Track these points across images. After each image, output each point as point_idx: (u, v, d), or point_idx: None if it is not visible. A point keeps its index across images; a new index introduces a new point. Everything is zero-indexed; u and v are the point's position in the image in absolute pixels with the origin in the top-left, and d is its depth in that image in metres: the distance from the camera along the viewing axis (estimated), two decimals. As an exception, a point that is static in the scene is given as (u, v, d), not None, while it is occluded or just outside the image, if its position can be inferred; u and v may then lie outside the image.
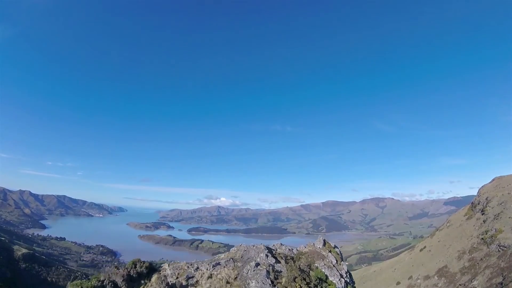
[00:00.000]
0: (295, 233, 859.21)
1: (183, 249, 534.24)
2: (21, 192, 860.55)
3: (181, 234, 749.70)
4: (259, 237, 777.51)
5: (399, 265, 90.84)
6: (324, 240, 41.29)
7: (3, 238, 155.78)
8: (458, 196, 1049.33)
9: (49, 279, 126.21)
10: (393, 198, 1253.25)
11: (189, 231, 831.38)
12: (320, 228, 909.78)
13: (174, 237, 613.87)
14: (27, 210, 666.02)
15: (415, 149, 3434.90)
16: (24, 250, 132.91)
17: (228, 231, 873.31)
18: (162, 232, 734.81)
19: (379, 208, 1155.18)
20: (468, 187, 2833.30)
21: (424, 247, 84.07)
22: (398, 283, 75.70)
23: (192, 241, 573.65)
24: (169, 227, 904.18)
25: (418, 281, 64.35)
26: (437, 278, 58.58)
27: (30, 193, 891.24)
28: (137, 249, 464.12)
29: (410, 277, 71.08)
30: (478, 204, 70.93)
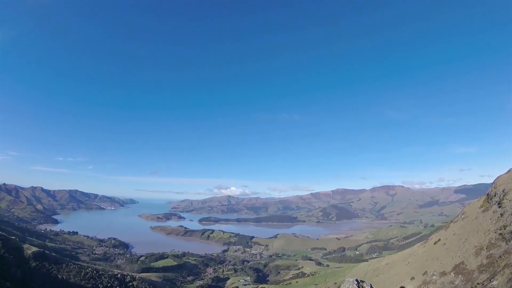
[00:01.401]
0: (305, 221, 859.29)
1: (194, 240, 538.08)
2: (33, 188, 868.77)
3: (192, 224, 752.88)
4: (269, 226, 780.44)
5: (412, 259, 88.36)
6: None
7: (13, 237, 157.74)
8: (469, 184, 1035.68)
9: (59, 276, 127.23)
10: (403, 186, 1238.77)
11: (200, 221, 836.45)
12: (330, 217, 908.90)
13: (185, 228, 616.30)
14: (39, 206, 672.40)
15: (425, 137, 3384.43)
16: (34, 249, 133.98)
17: (238, 220, 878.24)
18: (173, 223, 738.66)
19: (389, 196, 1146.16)
20: (478, 175, 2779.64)
21: (439, 240, 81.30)
22: (412, 278, 73.41)
23: (203, 231, 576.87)
24: (180, 217, 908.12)
25: (434, 277, 61.91)
26: (453, 275, 56.16)
27: (42, 189, 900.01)
28: (149, 241, 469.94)
29: (425, 273, 68.65)
30: (495, 196, 67.83)
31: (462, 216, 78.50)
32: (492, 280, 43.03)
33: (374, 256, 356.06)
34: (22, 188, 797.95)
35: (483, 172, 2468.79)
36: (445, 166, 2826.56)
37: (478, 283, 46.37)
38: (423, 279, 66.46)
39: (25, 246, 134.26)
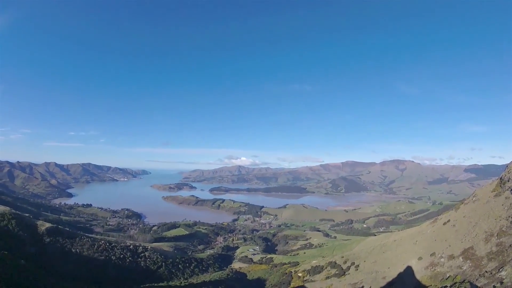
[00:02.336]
0: (314, 192, 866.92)
1: (205, 209, 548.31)
2: (47, 164, 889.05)
3: (203, 194, 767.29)
4: (279, 196, 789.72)
5: (420, 237, 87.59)
6: None
7: (27, 215, 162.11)
8: (479, 164, 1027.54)
9: (73, 250, 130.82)
10: (413, 161, 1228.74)
11: (211, 190, 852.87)
12: (339, 189, 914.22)
13: (197, 197, 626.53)
14: (53, 181, 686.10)
15: (438, 112, 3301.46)
16: (48, 225, 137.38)
17: (248, 190, 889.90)
18: (185, 193, 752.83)
19: (398, 171, 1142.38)
20: (489, 156, 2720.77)
21: (448, 220, 79.88)
22: (420, 258, 72.86)
23: (214, 201, 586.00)
24: (192, 187, 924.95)
25: (442, 259, 61.19)
26: (462, 259, 55.24)
27: (56, 164, 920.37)
28: (161, 211, 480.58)
29: (433, 254, 67.93)
30: (508, 181, 65.49)
31: (473, 199, 76.63)
32: (501, 269, 41.96)
33: (381, 230, 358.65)
34: (36, 165, 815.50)
35: (494, 153, 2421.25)
36: (456, 144, 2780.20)
37: (486, 271, 45.37)
38: (431, 260, 65.92)
39: (39, 222, 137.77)
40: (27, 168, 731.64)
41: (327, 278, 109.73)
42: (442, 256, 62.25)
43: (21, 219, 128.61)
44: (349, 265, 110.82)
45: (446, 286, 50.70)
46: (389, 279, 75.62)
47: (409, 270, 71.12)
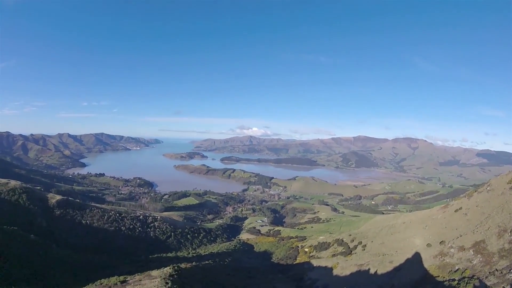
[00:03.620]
0: (324, 165, 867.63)
1: (216, 178, 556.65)
2: (60, 135, 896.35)
3: (214, 163, 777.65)
4: (289, 167, 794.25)
5: (430, 222, 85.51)
6: None
7: (38, 188, 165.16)
8: (492, 150, 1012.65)
9: (83, 221, 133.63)
10: (425, 141, 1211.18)
11: (222, 160, 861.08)
12: (349, 163, 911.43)
13: (208, 167, 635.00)
14: (66, 152, 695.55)
15: (453, 92, 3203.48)
16: (58, 197, 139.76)
17: (259, 160, 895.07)
18: (196, 162, 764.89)
19: (410, 149, 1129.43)
20: (503, 143, 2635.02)
21: (460, 208, 77.25)
22: (428, 244, 71.12)
23: (225, 170, 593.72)
24: (203, 156, 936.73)
25: (452, 250, 59.18)
26: (472, 253, 53.15)
27: (69, 135, 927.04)
28: (173, 179, 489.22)
29: (442, 242, 65.95)
30: (526, 174, 62.12)
31: (488, 188, 73.45)
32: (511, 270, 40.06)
33: (389, 208, 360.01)
34: (49, 136, 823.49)
35: (508, 140, 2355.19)
36: (470, 126, 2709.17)
37: (496, 270, 43.33)
38: (440, 249, 64.03)
39: (50, 195, 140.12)
40: (41, 140, 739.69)
41: (333, 255, 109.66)
42: (452, 246, 60.20)
43: (31, 193, 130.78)
44: (356, 244, 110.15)
45: (455, 279, 49.09)
46: (396, 264, 74.48)
47: (417, 257, 69.64)
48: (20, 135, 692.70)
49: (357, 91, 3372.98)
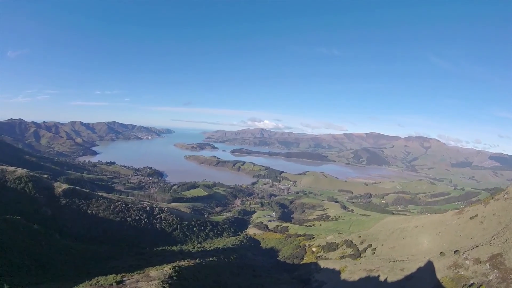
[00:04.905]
0: (335, 161, 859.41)
1: (225, 170, 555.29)
2: (72, 123, 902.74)
3: (225, 155, 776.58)
4: (299, 162, 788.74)
5: (444, 228, 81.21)
6: None
7: (45, 176, 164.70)
8: (505, 153, 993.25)
9: (89, 211, 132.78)
10: (438, 140, 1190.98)
11: (233, 152, 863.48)
12: (360, 160, 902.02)
13: (218, 158, 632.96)
14: (78, 140, 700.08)
15: (468, 92, 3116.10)
16: (65, 186, 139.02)
17: (270, 153, 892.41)
18: (206, 153, 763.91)
19: (423, 148, 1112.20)
20: None
21: (476, 215, 72.93)
22: (442, 253, 67.07)
23: (235, 163, 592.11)
24: (214, 147, 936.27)
25: (467, 262, 55.08)
26: (489, 267, 49.16)
27: (81, 123, 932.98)
28: (183, 170, 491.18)
29: (457, 252, 61.81)
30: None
31: (505, 196, 68.91)
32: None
33: (399, 208, 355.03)
34: (62, 124, 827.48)
35: None
36: (483, 127, 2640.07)
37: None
38: (454, 259, 59.89)
39: (56, 184, 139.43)
40: (53, 127, 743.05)
41: (342, 257, 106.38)
42: (468, 258, 56.05)
43: (38, 181, 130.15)
44: (366, 246, 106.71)
45: (470, 295, 45.26)
46: (407, 272, 70.51)
47: (430, 266, 65.62)
48: (33, 122, 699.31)
49: (370, 86, 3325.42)
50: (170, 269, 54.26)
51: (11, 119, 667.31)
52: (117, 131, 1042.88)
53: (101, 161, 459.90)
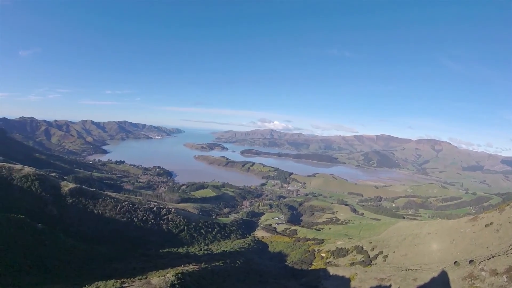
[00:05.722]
0: (345, 163, 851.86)
1: (234, 170, 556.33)
2: (83, 122, 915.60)
3: (234, 155, 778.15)
4: (309, 163, 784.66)
5: (458, 236, 77.67)
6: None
7: (53, 175, 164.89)
8: None
9: (95, 211, 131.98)
10: (450, 143, 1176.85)
11: (242, 152, 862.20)
12: (371, 162, 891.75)
13: (227, 158, 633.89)
14: (89, 138, 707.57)
15: (480, 94, 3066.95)
16: (71, 185, 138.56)
17: (279, 155, 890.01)
18: (216, 153, 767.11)
19: (434, 151, 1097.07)
20: None
21: (491, 223, 69.58)
22: (456, 263, 63.50)
23: (244, 163, 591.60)
24: (223, 148, 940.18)
25: (483, 273, 51.68)
26: (506, 279, 45.93)
27: (92, 122, 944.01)
28: (192, 170, 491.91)
29: (472, 262, 58.36)
30: None
31: (521, 205, 65.47)
32: None
33: (410, 212, 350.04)
34: (73, 123, 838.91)
35: None
36: (496, 131, 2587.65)
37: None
38: (470, 270, 56.28)
39: (63, 183, 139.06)
40: (64, 126, 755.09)
41: (352, 264, 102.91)
42: (484, 269, 52.52)
43: (44, 180, 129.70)
44: (377, 253, 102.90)
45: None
46: (420, 282, 66.85)
47: (444, 277, 61.98)
48: (44, 120, 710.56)
49: (381, 88, 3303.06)
50: (172, 276, 51.90)
51: (22, 117, 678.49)
52: (127, 130, 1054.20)
53: (111, 160, 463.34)
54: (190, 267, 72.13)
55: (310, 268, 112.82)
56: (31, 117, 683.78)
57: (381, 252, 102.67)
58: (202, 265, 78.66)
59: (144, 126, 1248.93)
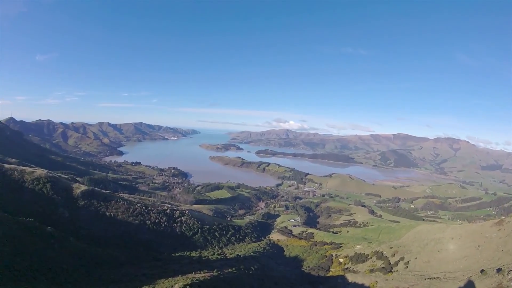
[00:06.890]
0: (362, 163, 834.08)
1: (250, 171, 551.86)
2: (100, 124, 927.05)
3: (250, 155, 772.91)
4: (325, 163, 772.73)
5: (483, 241, 72.11)
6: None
7: (65, 177, 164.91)
8: None
9: (107, 213, 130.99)
10: (468, 142, 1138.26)
11: (257, 153, 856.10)
12: (388, 162, 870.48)
13: (243, 159, 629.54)
14: (105, 140, 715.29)
15: (498, 92, 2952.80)
16: (83, 188, 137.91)
17: (295, 155, 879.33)
18: (231, 154, 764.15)
19: (452, 150, 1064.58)
20: None
21: (518, 227, 63.79)
22: (483, 272, 58.20)
23: (259, 164, 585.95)
24: (239, 148, 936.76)
25: None
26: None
27: (109, 124, 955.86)
28: (207, 171, 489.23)
29: (500, 271, 53.14)
30: None
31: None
32: None
33: (429, 213, 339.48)
34: (90, 125, 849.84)
35: None
36: None
37: None
38: (498, 279, 51.11)
39: (75, 185, 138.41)
40: (81, 128, 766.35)
41: (372, 271, 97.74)
42: (512, 279, 47.37)
43: (56, 182, 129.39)
44: (398, 259, 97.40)
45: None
46: (447, 293, 61.87)
47: (470, 287, 56.85)
48: (61, 123, 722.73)
49: (397, 86, 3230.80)
50: (180, 287, 48.59)
51: (40, 120, 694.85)
52: (144, 132, 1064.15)
53: (126, 161, 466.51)
54: (201, 275, 68.87)
55: (327, 275, 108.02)
56: (48, 120, 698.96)
57: (402, 258, 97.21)
58: (214, 273, 75.12)
59: (160, 127, 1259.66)
